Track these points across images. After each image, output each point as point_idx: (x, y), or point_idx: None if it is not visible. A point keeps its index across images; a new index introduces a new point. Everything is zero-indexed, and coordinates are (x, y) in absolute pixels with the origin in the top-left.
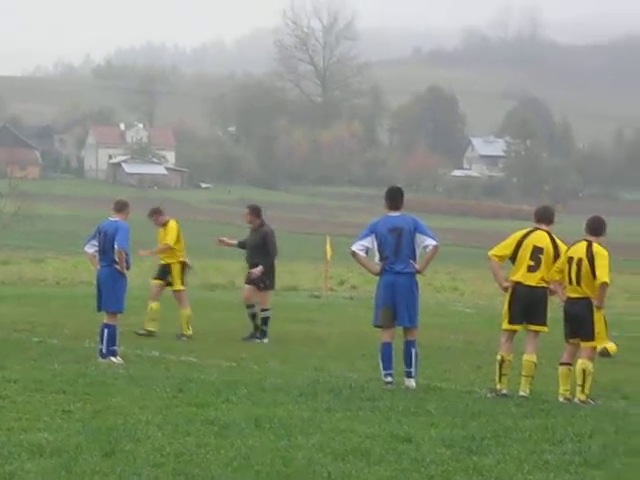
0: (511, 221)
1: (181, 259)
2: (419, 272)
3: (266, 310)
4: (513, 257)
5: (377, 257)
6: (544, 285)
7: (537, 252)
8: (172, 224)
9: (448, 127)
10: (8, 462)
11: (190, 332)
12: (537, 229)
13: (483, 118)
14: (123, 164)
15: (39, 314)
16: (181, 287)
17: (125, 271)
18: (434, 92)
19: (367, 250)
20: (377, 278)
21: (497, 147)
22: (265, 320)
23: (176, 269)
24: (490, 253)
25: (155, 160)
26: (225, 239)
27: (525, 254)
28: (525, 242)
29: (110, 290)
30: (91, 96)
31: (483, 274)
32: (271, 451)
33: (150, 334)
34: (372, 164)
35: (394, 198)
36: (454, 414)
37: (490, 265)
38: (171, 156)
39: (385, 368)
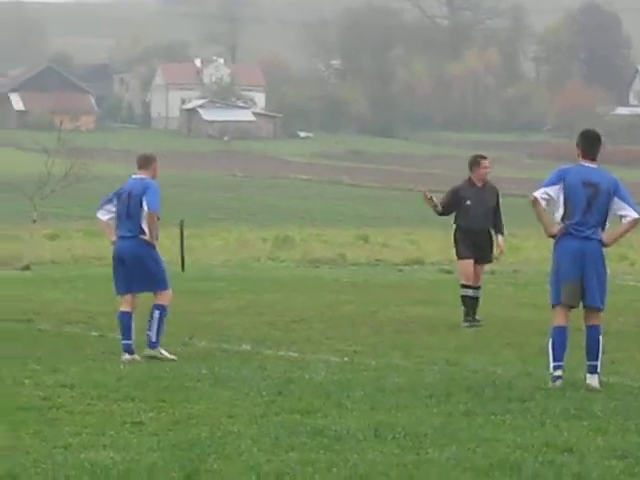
0: None
1: None
2: (604, 245)
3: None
4: None
5: (559, 213)
6: None
7: None
8: None
9: (609, 53)
10: None
11: None
12: None
13: None
14: (200, 110)
15: (98, 301)
16: None
17: (155, 241)
18: (591, 9)
19: (549, 201)
20: (545, 245)
21: None
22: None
23: None
24: None
25: (240, 104)
26: (433, 197)
27: None
28: None
29: (147, 266)
30: (158, 26)
31: None
32: (395, 468)
33: None
34: (513, 103)
35: (591, 145)
36: (626, 416)
37: None
38: (260, 98)
39: (556, 358)
